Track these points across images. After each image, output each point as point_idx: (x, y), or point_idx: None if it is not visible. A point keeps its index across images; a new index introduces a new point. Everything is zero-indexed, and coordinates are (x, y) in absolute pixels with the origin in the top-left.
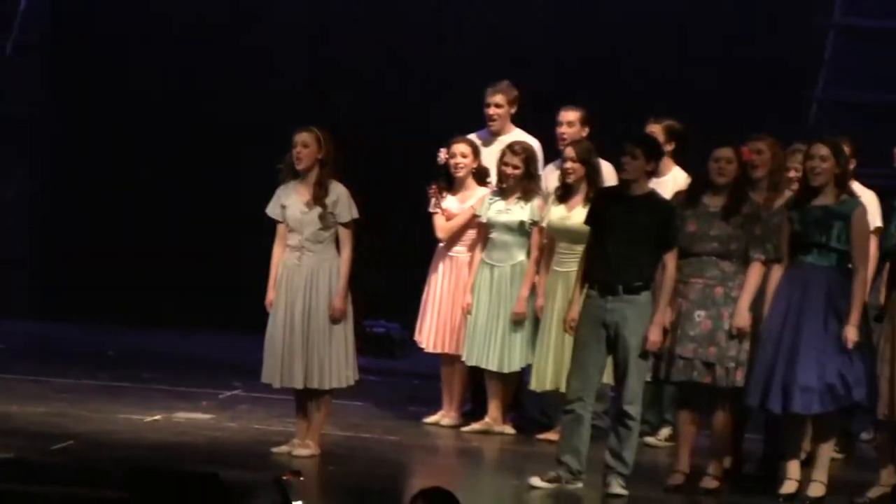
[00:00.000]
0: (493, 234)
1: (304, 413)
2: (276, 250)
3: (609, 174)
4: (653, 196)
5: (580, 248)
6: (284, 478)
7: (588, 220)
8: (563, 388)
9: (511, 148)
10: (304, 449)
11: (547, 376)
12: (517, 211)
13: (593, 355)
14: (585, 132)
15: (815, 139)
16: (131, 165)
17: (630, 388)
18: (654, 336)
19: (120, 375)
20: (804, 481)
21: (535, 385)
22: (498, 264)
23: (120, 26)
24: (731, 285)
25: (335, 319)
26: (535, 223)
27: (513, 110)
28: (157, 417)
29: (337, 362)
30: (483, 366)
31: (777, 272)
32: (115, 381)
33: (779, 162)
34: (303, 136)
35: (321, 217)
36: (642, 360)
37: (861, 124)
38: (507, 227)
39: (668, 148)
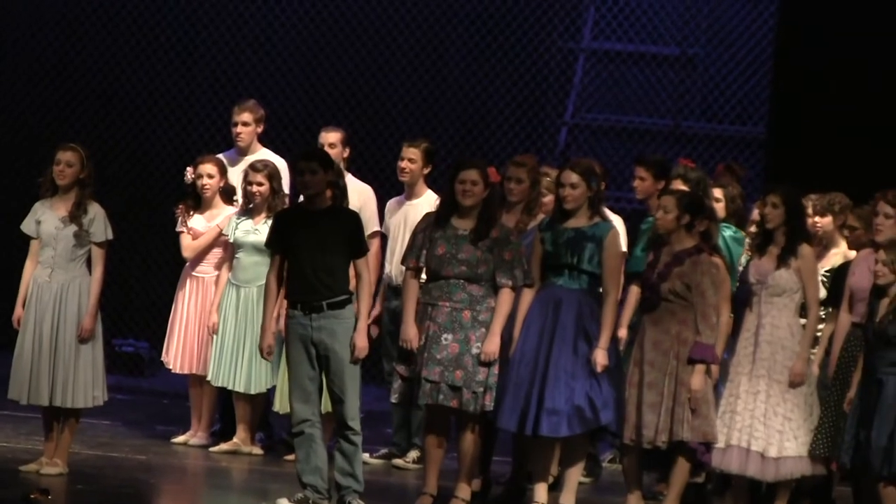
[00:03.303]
0: (241, 255)
1: (52, 431)
2: (28, 266)
3: (364, 194)
4: (335, 207)
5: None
6: (32, 496)
7: (270, 244)
8: None
9: (253, 167)
10: (52, 467)
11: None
12: (265, 231)
13: (310, 373)
14: (346, 153)
15: (565, 165)
16: None
17: (350, 404)
18: (361, 341)
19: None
20: None
21: (278, 406)
22: (244, 285)
23: None
24: (479, 309)
25: (83, 339)
26: None
27: (259, 129)
28: None
29: (84, 381)
30: (230, 387)
31: (528, 296)
32: None
33: (536, 186)
34: (67, 155)
35: (76, 235)
36: (356, 374)
37: (610, 148)
38: (255, 248)
39: (425, 171)
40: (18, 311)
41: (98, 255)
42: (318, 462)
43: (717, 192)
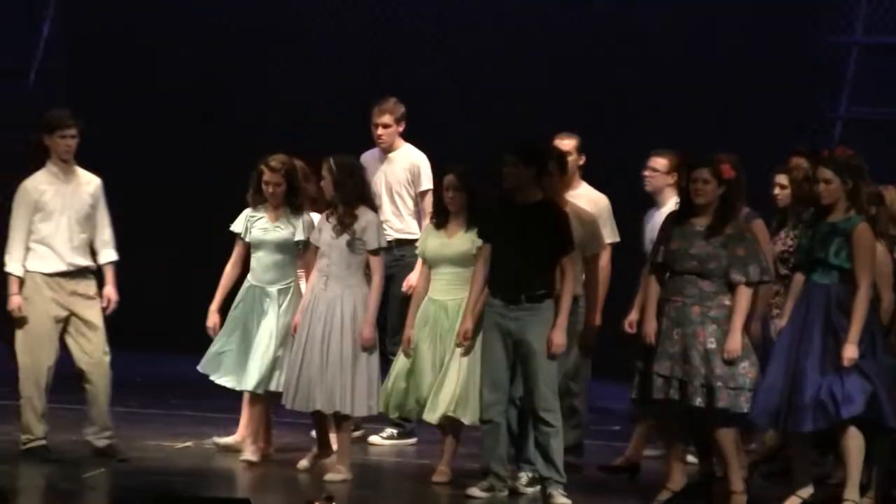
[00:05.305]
0: (261, 254)
1: (326, 438)
2: (312, 276)
3: (599, 204)
4: (543, 203)
5: (463, 274)
6: (316, 503)
7: (480, 235)
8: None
9: (269, 166)
10: (336, 474)
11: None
12: (287, 228)
13: (502, 362)
14: (581, 160)
15: (820, 160)
16: (155, 187)
17: (542, 395)
18: (558, 339)
19: (149, 402)
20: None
21: (382, 407)
22: (269, 286)
23: (141, 50)
24: (708, 304)
25: (364, 348)
26: (306, 242)
27: (401, 128)
28: (187, 444)
29: (363, 389)
30: (252, 389)
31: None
32: (145, 407)
33: (739, 181)
34: (323, 168)
35: (349, 243)
36: (550, 367)
37: (885, 142)
38: (277, 246)
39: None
40: (297, 318)
41: (375, 263)
42: (503, 451)
43: (782, 178)
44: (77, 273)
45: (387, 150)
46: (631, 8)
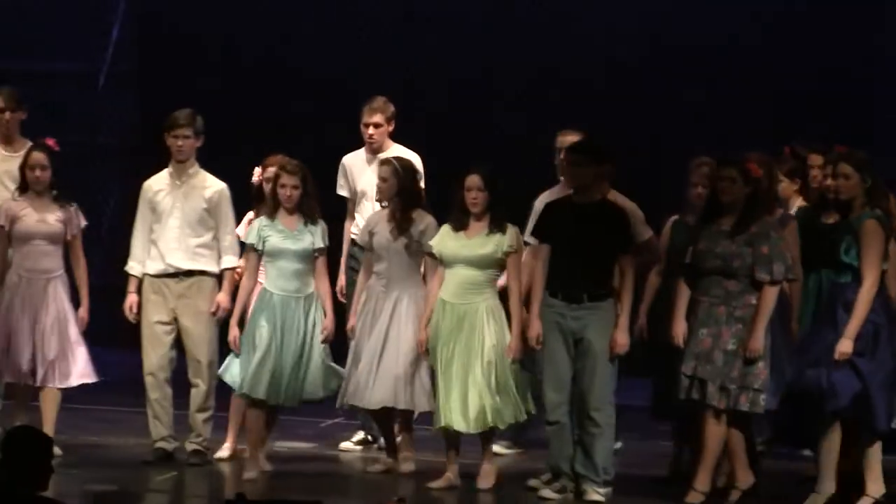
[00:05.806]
0: (282, 263)
1: (391, 434)
2: (361, 278)
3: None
4: (605, 202)
5: (478, 277)
6: None
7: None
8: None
9: (285, 168)
10: (406, 464)
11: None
12: (308, 236)
13: (565, 362)
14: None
15: (840, 156)
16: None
17: (596, 395)
18: (622, 339)
19: (222, 405)
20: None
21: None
22: (294, 294)
23: (210, 53)
24: (734, 304)
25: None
26: (323, 249)
27: (391, 127)
28: None
29: (423, 385)
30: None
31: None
32: (218, 410)
33: (770, 181)
34: (384, 170)
35: (406, 246)
36: (608, 366)
37: None
38: (297, 255)
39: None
40: (352, 321)
41: (430, 265)
42: (570, 450)
43: None
44: (186, 276)
45: (376, 151)
46: (682, 9)
